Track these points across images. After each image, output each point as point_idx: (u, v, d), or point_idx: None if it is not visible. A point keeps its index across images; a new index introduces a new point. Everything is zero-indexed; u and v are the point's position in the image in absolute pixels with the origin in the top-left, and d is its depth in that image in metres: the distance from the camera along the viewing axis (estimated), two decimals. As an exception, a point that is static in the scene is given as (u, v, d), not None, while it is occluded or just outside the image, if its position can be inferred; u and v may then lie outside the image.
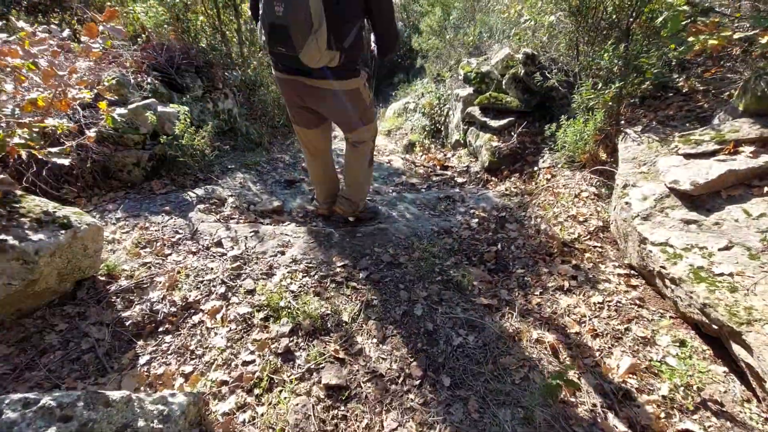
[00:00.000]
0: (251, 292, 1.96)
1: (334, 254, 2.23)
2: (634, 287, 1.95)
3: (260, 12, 1.74)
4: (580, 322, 1.79)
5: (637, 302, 1.86)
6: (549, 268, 2.12)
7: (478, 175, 3.45)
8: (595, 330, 1.74)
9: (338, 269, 2.13)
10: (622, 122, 2.60)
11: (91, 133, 1.71)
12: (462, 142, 3.99)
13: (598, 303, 1.87)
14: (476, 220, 2.64)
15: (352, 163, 2.36)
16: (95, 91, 1.75)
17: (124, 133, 2.49)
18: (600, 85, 2.48)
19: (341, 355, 1.67)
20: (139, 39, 3.30)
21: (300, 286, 2.00)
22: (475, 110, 3.70)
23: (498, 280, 2.10)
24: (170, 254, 2.13)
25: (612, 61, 2.34)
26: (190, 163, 2.79)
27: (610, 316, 1.80)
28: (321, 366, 1.62)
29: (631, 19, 2.44)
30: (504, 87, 3.51)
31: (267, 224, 2.53)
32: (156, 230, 2.26)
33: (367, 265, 2.17)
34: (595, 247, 2.21)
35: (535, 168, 3.08)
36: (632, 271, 2.03)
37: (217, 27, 4.35)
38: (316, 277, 2.07)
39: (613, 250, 2.20)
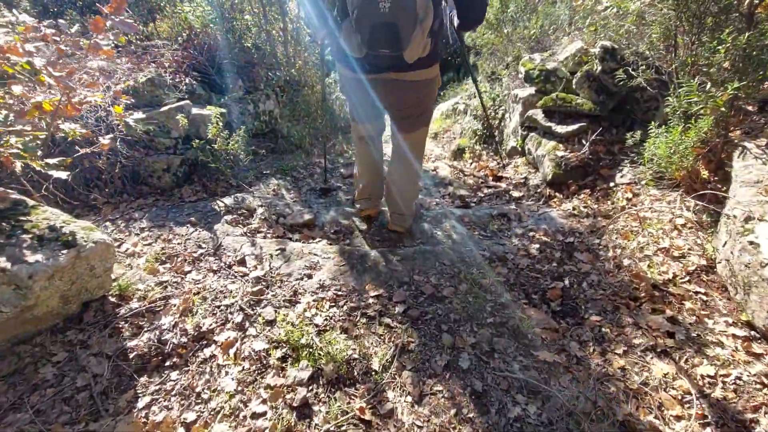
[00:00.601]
0: (271, 323, 1.71)
1: (367, 281, 1.94)
2: (759, 357, 1.46)
3: (353, 13, 1.53)
4: (683, 401, 1.35)
5: (765, 381, 1.37)
6: (635, 318, 1.67)
7: (538, 190, 2.99)
8: (706, 416, 1.30)
9: (371, 300, 1.83)
10: (733, 132, 2.06)
11: (105, 140, 1.54)
12: (519, 149, 3.54)
13: (709, 376, 1.41)
14: (537, 245, 2.22)
15: (407, 171, 2.22)
16: (112, 92, 1.58)
17: (155, 137, 2.36)
18: (708, 85, 1.96)
19: (367, 416, 1.37)
20: (179, 38, 3.22)
21: (325, 319, 1.73)
22: (538, 113, 3.23)
23: (566, 329, 1.70)
24: (190, 272, 1.95)
25: (729, 56, 1.82)
26: (222, 169, 2.63)
27: (727, 397, 1.34)
28: (342, 429, 1.33)
29: (757, 1, 1.90)
30: (574, 87, 3.02)
31: (295, 240, 2.29)
32: (178, 243, 2.10)
33: (404, 297, 1.85)
34: (697, 293, 1.72)
35: (611, 184, 2.58)
36: (754, 333, 1.54)
37: (261, 26, 4.22)
38: (344, 308, 1.79)
39: (723, 299, 1.70)
